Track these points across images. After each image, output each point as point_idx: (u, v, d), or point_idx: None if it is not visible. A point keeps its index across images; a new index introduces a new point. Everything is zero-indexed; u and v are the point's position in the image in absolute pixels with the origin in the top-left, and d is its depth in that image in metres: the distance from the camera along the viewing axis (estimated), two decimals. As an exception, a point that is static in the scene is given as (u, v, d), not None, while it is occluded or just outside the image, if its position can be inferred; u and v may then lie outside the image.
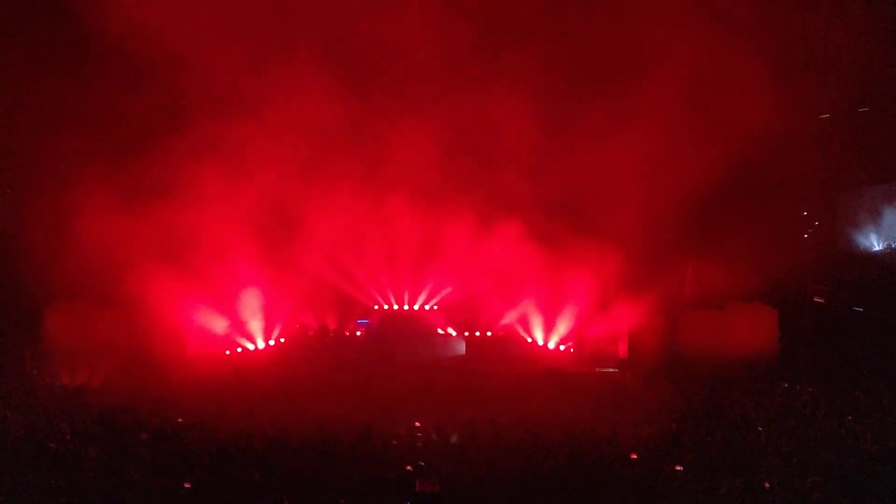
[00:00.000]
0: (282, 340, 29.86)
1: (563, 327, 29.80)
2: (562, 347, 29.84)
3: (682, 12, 24.99)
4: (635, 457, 15.94)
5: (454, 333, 30.27)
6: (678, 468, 15.22)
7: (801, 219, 32.22)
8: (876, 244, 32.66)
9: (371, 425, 18.40)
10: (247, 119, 26.75)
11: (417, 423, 19.63)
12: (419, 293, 30.44)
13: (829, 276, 30.64)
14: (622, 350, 29.57)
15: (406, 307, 30.65)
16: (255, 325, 29.46)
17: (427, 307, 30.57)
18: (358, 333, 30.15)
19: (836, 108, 25.31)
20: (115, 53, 25.35)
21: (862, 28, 25.37)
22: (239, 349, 29.31)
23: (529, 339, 29.99)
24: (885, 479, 14.18)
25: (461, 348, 29.79)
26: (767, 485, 14.05)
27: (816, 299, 30.31)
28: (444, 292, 30.40)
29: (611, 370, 28.59)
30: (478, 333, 29.95)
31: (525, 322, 30.08)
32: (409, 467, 15.29)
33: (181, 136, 26.67)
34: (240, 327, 29.32)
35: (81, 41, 25.63)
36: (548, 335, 29.97)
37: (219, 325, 29.09)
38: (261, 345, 29.62)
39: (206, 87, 26.32)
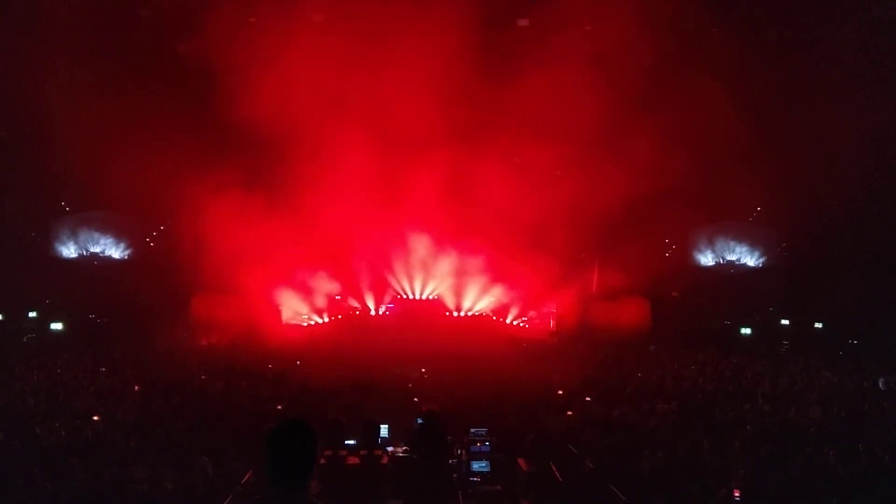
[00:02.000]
0: (338, 317, 29.98)
1: (516, 310, 29.98)
2: (516, 323, 30.04)
3: (582, 70, 23.98)
4: (561, 393, 16.12)
5: (447, 314, 30.46)
6: (588, 399, 15.44)
7: (664, 244, 32.50)
8: (710, 260, 32.93)
9: (394, 370, 18.63)
10: (314, 161, 26.08)
11: (423, 370, 19.85)
12: (426, 288, 30.57)
13: (681, 280, 30.80)
14: (553, 325, 29.86)
15: (418, 296, 30.81)
16: (321, 307, 29.59)
17: (432, 297, 30.68)
18: (387, 313, 30.28)
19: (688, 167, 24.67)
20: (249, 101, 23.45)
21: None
22: (311, 322, 29.44)
23: (495, 318, 30.22)
24: (716, 406, 14.39)
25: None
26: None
27: (673, 294, 30.55)
28: (443, 287, 30.45)
29: (546, 337, 28.83)
30: (464, 314, 30.10)
31: (492, 306, 30.30)
32: (415, 398, 15.44)
33: (278, 170, 26.51)
34: (311, 308, 29.45)
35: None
36: (507, 315, 30.15)
37: (298, 307, 29.28)
38: (324, 320, 29.78)
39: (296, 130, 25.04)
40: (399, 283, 30.65)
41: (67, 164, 26.35)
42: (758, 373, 18.99)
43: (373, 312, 30.21)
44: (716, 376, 18.46)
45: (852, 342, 26.69)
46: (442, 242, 29.27)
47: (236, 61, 23.42)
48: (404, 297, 30.87)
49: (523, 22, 26.59)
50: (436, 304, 30.60)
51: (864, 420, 13.30)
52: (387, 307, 30.52)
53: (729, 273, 32.36)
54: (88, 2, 23.22)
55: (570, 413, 14.05)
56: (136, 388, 15.63)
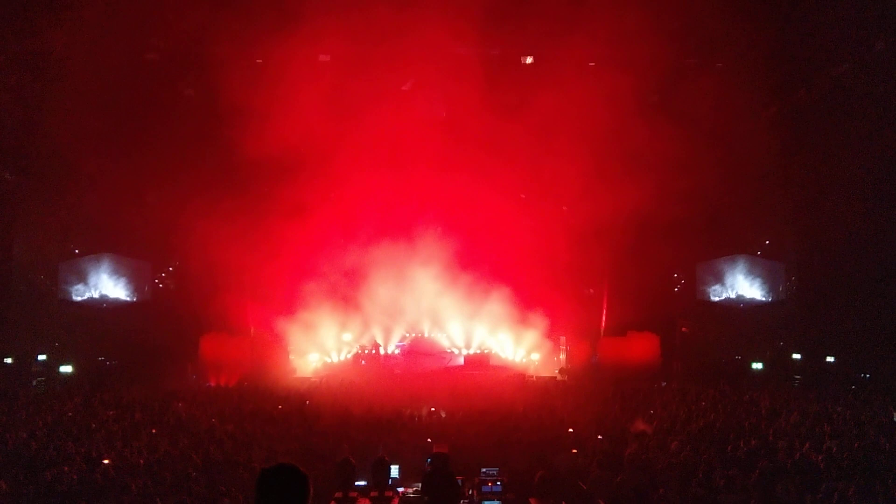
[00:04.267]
0: (348, 357, 29.82)
1: (526, 347, 29.81)
2: (524, 360, 29.83)
3: (588, 101, 23.62)
4: (572, 430, 15.98)
5: (456, 351, 30.35)
6: (599, 437, 15.29)
7: (673, 279, 32.42)
8: (719, 294, 32.72)
9: (404, 409, 18.46)
10: (323, 200, 26.33)
11: (433, 408, 19.67)
12: (435, 328, 30.51)
13: (690, 315, 30.67)
14: (563, 361, 29.67)
15: (428, 335, 30.73)
16: (333, 346, 29.49)
17: (440, 335, 30.62)
18: (397, 351, 30.19)
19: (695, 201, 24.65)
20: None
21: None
22: (323, 361, 29.31)
23: (504, 355, 30.04)
24: (729, 442, 14.28)
25: (461, 360, 29.85)
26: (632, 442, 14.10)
27: (683, 329, 30.37)
28: (453, 325, 30.39)
29: (555, 374, 28.61)
30: (471, 351, 29.98)
31: (501, 344, 30.16)
32: (428, 439, 15.30)
33: (286, 212, 26.07)
34: (322, 348, 29.36)
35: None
36: (514, 352, 29.99)
37: (308, 346, 29.18)
38: (336, 359, 29.58)
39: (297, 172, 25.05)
40: (409, 321, 30.58)
41: (76, 208, 26.54)
42: (770, 408, 18.80)
43: (383, 351, 30.09)
44: (728, 412, 18.26)
45: (865, 376, 26.43)
46: (451, 280, 29.20)
47: (240, 101, 23.63)
48: (414, 335, 30.83)
49: (532, 57, 26.76)
50: (445, 342, 30.48)
51: (881, 455, 13.15)
52: (397, 345, 30.43)
53: (738, 307, 32.18)
54: (93, 46, 23.54)
55: (578, 451, 13.92)
56: (154, 431, 15.58)
